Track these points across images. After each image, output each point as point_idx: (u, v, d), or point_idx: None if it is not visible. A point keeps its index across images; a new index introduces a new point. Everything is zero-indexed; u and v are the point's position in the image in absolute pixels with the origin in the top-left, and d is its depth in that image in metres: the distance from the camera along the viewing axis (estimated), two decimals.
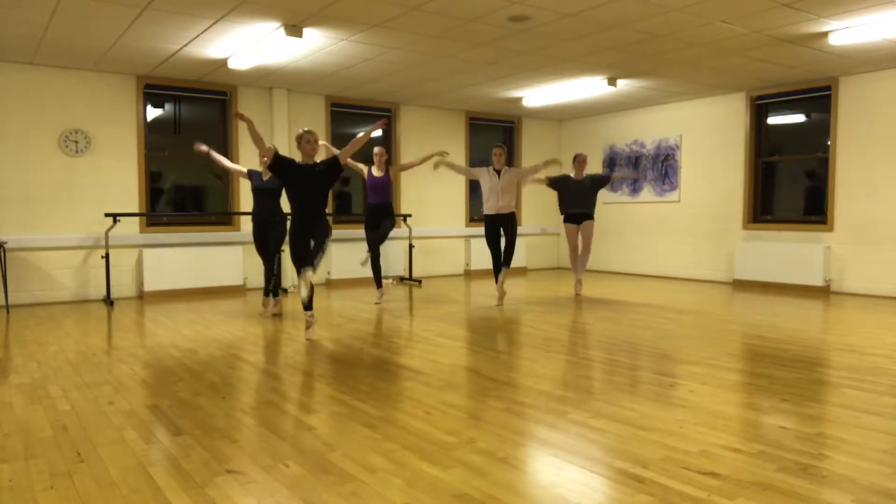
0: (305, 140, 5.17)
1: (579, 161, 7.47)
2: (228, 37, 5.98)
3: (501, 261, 6.86)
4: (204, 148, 6.08)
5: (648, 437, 2.84)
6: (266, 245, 6.27)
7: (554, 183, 7.53)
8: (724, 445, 2.73)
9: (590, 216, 7.47)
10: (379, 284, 7.13)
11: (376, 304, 6.94)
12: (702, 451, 2.67)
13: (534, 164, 7.27)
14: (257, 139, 4.97)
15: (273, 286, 6.36)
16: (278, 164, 5.01)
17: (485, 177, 6.80)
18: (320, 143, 5.45)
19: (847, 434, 2.87)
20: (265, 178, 6.14)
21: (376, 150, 6.98)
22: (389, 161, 10.42)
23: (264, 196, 6.17)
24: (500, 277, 6.84)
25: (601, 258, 10.43)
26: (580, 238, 7.50)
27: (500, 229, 6.79)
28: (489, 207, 6.79)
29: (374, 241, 6.97)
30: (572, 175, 7.48)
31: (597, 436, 2.86)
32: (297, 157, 5.24)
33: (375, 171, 6.94)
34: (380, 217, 6.94)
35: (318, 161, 5.20)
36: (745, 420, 3.09)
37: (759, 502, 2.19)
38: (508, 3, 5.11)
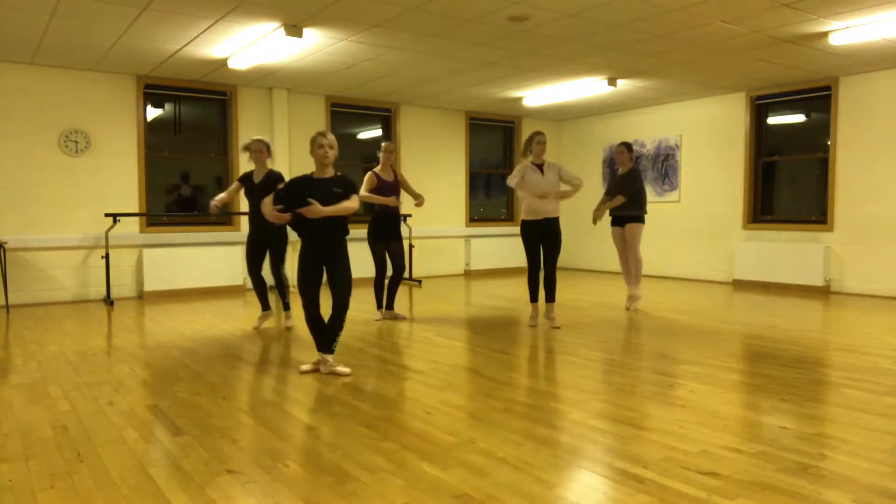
0: (318, 145, 3.86)
1: (620, 151, 6.44)
2: (228, 37, 5.98)
3: (543, 283, 5.66)
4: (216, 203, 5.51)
5: (648, 437, 2.84)
6: (260, 256, 5.54)
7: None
8: (724, 445, 2.73)
9: (635, 218, 6.49)
10: (380, 305, 6.06)
11: (376, 321, 5.90)
12: (702, 451, 2.67)
13: (576, 176, 5.65)
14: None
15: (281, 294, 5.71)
16: (289, 196, 3.81)
17: (529, 175, 5.40)
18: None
19: (847, 434, 2.87)
20: (257, 180, 5.50)
21: (385, 144, 5.85)
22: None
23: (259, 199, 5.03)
24: (547, 311, 5.70)
25: (601, 258, 10.43)
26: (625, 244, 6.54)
27: (541, 239, 5.55)
28: (535, 211, 5.41)
29: (383, 262, 5.91)
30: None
31: (597, 436, 2.86)
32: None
33: (384, 174, 5.85)
34: (391, 229, 5.90)
35: (337, 175, 3.96)
36: (745, 420, 3.09)
37: (759, 502, 2.19)
38: (508, 3, 5.11)
